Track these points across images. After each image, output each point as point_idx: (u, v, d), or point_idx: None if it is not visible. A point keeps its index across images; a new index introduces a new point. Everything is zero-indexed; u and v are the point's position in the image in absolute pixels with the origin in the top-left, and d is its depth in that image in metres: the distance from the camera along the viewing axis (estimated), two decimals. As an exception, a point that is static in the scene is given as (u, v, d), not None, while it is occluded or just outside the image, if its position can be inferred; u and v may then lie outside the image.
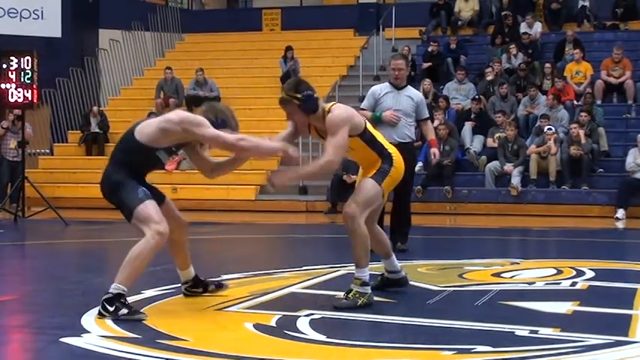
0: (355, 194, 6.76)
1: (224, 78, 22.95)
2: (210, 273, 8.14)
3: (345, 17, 25.33)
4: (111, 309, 6.07)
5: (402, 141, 9.77)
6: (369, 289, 6.61)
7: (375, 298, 6.79)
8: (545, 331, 5.74)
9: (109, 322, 5.99)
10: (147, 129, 6.47)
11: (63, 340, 5.45)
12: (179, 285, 7.29)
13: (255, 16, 26.66)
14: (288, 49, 22.60)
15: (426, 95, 20.18)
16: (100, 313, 6.09)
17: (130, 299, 6.83)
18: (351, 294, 6.58)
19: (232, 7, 29.73)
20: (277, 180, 6.68)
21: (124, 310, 6.07)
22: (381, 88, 10.27)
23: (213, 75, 22.21)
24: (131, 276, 6.24)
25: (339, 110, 6.66)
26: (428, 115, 10.43)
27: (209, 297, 7.01)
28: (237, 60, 24.29)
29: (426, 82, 20.33)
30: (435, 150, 10.50)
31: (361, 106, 10.21)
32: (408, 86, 10.38)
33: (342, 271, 8.64)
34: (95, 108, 21.64)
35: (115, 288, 6.13)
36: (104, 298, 6.11)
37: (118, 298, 6.10)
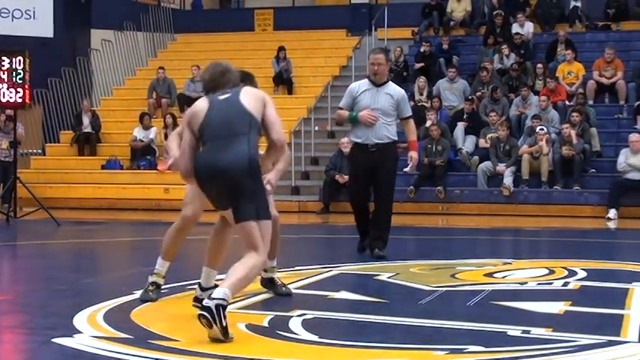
0: None
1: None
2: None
3: (338, 17, 25.32)
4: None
5: (381, 142, 9.42)
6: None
7: (367, 299, 6.79)
8: (537, 331, 5.75)
9: (101, 322, 5.99)
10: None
11: (55, 340, 5.45)
12: (171, 285, 7.30)
13: (248, 16, 26.63)
14: (281, 49, 22.59)
15: (420, 92, 20.24)
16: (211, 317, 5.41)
17: (122, 300, 6.85)
18: None
19: (225, 7, 29.69)
20: (274, 181, 6.23)
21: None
22: (359, 86, 9.68)
23: (205, 75, 22.18)
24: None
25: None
26: (410, 114, 9.81)
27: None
28: (230, 60, 23.63)
29: (421, 80, 20.35)
30: (413, 154, 9.87)
31: (339, 106, 9.83)
32: (389, 83, 9.77)
33: (335, 272, 8.64)
34: (86, 102, 21.57)
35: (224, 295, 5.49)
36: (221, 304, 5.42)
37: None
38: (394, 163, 9.72)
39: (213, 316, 5.32)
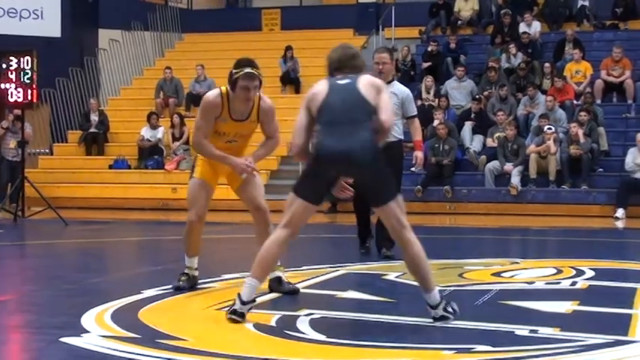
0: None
1: (223, 78, 22.75)
2: (210, 273, 8.15)
3: (345, 17, 25.32)
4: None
5: (387, 140, 9.39)
6: None
7: (375, 298, 6.79)
8: (545, 331, 5.74)
9: (108, 321, 5.99)
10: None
11: (63, 339, 5.45)
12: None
13: (255, 16, 26.66)
14: (288, 48, 22.61)
15: (427, 92, 20.22)
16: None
17: (130, 299, 6.85)
18: None
19: (232, 6, 29.71)
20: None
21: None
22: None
23: (212, 75, 22.17)
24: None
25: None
26: (415, 113, 9.72)
27: (210, 296, 7.02)
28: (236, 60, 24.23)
29: (429, 79, 20.34)
30: (418, 153, 9.81)
31: None
32: (394, 82, 9.71)
33: (342, 271, 8.64)
34: (93, 101, 21.60)
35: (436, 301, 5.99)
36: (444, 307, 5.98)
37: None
38: (400, 161, 9.62)
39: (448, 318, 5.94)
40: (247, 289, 5.93)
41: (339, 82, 6.13)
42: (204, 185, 7.18)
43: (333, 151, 5.85)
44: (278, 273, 7.20)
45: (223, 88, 7.02)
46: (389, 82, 9.45)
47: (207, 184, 7.21)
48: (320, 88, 6.13)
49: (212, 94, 7.03)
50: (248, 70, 6.83)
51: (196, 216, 7.15)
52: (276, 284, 7.22)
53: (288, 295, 7.12)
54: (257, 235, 7.15)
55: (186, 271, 7.38)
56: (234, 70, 6.87)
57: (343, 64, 6.31)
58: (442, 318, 5.94)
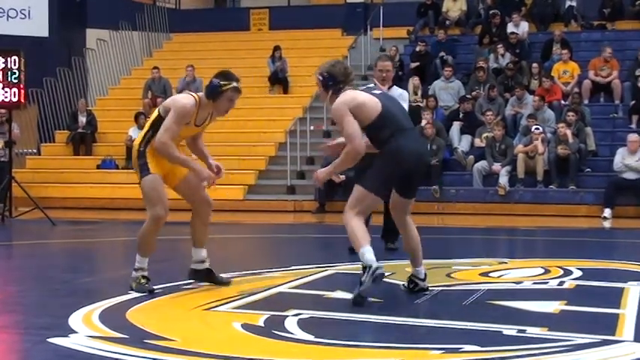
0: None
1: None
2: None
3: (333, 17, 25.32)
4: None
5: None
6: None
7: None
8: (532, 331, 5.75)
9: (96, 322, 5.98)
10: None
11: (50, 340, 5.44)
12: (165, 285, 7.33)
13: (243, 16, 26.64)
14: (276, 48, 22.58)
15: (415, 92, 20.22)
16: None
17: (117, 299, 6.84)
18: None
19: (220, 6, 29.69)
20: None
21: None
22: (368, 89, 10.18)
23: (201, 74, 22.13)
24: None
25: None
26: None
27: (197, 296, 7.02)
28: (225, 59, 24.17)
29: (416, 80, 20.32)
30: None
31: None
32: (394, 86, 10.37)
33: (330, 271, 8.64)
34: (82, 101, 21.56)
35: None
36: None
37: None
38: None
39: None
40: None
41: (376, 92, 7.05)
42: (161, 180, 7.25)
43: (417, 152, 6.82)
44: (207, 264, 7.48)
45: (196, 96, 7.18)
46: (389, 87, 10.17)
47: (162, 179, 7.27)
48: (365, 97, 6.81)
49: (189, 102, 7.13)
50: (236, 84, 7.15)
51: (165, 211, 7.22)
52: (208, 275, 7.51)
53: (275, 296, 7.12)
54: (196, 231, 7.47)
55: (146, 274, 7.31)
56: (221, 82, 7.10)
57: (349, 79, 7.01)
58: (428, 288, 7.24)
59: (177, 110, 7.06)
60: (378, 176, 6.73)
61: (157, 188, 7.22)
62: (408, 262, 7.35)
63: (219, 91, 7.08)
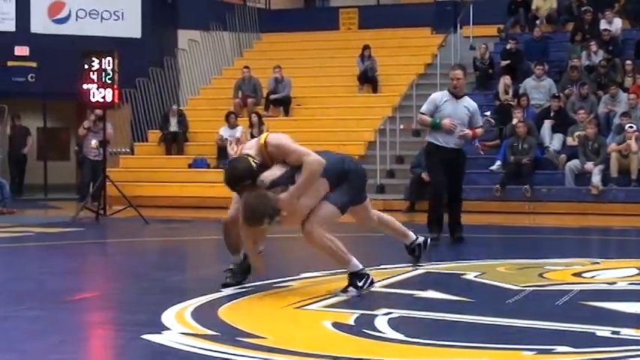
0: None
1: (301, 77, 22.98)
2: (288, 271, 8.19)
3: (422, 15, 25.19)
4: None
5: (456, 147, 10.89)
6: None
7: (454, 298, 6.75)
8: (626, 332, 5.66)
9: (189, 319, 6.06)
10: None
11: (144, 336, 5.52)
12: (258, 283, 7.38)
13: (333, 15, 26.68)
14: (366, 47, 22.56)
15: (505, 91, 20.04)
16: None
17: (210, 297, 6.92)
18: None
19: (310, 6, 29.79)
20: (287, 209, 6.89)
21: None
22: (442, 96, 11.04)
23: (289, 74, 22.27)
24: None
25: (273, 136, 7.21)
26: (481, 124, 11.39)
27: (288, 295, 7.05)
28: (314, 59, 24.32)
29: (507, 78, 20.14)
30: (470, 131, 10.91)
31: (421, 111, 11.22)
32: (465, 96, 11.15)
33: (420, 270, 8.61)
34: (174, 107, 21.88)
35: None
36: None
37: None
38: (465, 162, 11.45)
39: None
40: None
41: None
42: None
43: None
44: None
45: None
46: (462, 96, 11.04)
47: None
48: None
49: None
50: None
51: (230, 216, 7.77)
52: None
53: (365, 294, 7.13)
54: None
55: (231, 267, 7.61)
56: None
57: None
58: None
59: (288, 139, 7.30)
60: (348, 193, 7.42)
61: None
62: (497, 261, 7.29)
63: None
